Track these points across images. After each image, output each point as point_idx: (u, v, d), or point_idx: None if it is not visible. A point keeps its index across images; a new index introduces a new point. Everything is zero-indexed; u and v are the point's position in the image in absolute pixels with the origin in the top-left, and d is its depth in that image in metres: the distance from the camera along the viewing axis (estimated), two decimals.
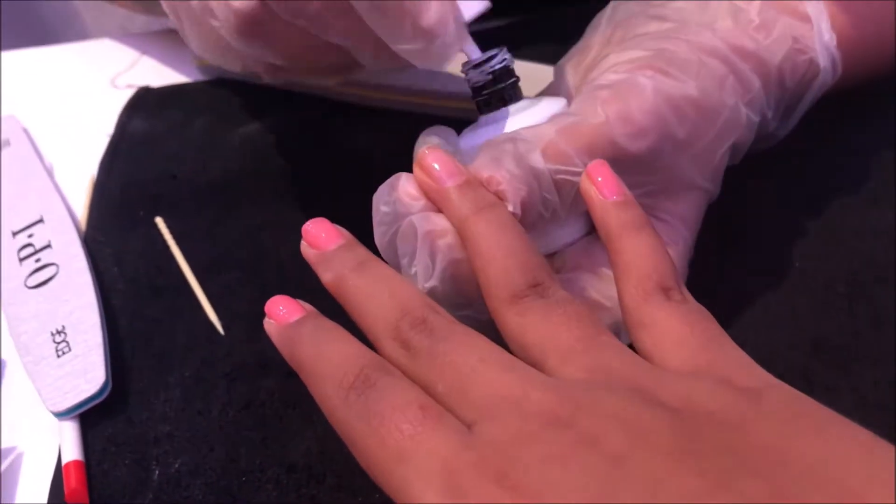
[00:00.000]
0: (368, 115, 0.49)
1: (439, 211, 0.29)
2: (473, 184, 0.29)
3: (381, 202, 0.30)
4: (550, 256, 0.33)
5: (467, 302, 0.30)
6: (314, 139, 0.48)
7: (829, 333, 0.34)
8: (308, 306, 0.28)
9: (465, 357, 0.24)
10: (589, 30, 0.39)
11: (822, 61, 0.37)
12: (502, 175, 0.29)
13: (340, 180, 0.45)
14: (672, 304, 0.26)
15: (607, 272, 0.32)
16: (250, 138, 0.48)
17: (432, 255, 0.29)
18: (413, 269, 0.29)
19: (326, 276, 0.28)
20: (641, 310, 0.27)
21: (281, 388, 0.34)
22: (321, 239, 0.29)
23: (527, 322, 0.26)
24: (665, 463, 0.21)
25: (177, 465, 0.32)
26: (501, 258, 0.27)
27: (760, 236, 0.39)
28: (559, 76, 0.37)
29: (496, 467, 0.21)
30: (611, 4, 0.39)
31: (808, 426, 0.22)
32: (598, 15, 0.39)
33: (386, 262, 0.29)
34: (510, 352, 0.26)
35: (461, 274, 0.29)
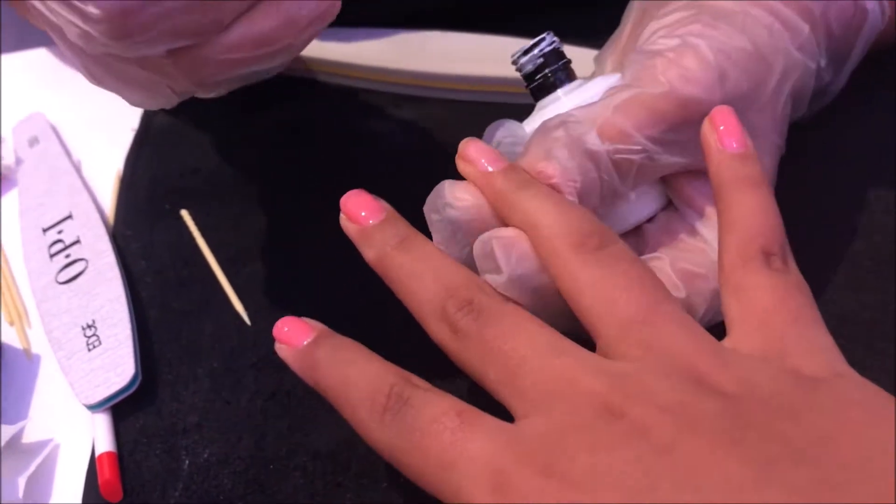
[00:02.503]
0: (397, 103, 0.48)
1: (489, 209, 0.29)
2: (517, 167, 0.29)
3: (431, 211, 0.30)
4: (627, 236, 0.32)
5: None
6: (339, 128, 0.48)
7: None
8: (317, 325, 0.28)
9: (513, 344, 0.24)
10: (623, 19, 0.38)
11: (869, 3, 0.35)
12: (554, 168, 0.28)
13: (365, 169, 0.45)
14: (769, 272, 0.25)
15: (694, 243, 0.31)
16: (274, 129, 0.49)
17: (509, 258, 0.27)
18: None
19: (369, 254, 0.28)
20: (738, 273, 0.26)
21: None
22: (361, 215, 0.29)
23: (586, 277, 0.25)
24: (711, 451, 0.20)
25: (206, 455, 0.33)
26: (555, 214, 0.26)
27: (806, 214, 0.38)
28: (600, 66, 0.37)
29: (542, 459, 0.21)
30: None
31: (862, 417, 0.21)
32: (630, 4, 0.38)
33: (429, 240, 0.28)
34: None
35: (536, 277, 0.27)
